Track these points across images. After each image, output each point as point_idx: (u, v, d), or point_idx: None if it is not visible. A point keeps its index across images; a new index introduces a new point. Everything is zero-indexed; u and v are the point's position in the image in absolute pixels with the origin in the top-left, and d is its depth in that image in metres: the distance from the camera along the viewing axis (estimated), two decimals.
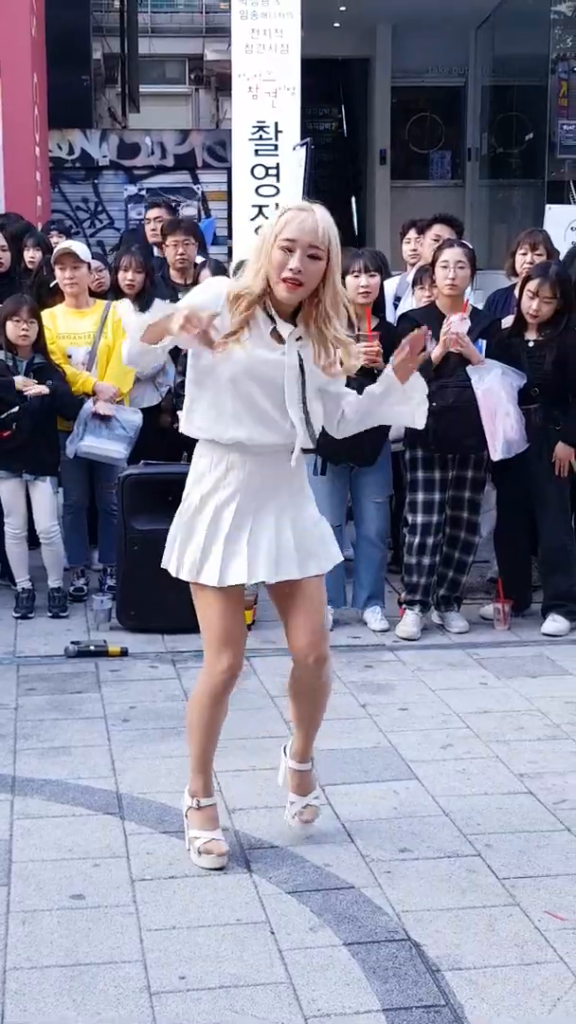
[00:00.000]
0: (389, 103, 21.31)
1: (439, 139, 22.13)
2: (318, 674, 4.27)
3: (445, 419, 6.55)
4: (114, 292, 7.93)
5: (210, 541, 4.10)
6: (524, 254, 7.40)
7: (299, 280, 3.91)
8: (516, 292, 7.13)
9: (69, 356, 7.38)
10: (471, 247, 6.92)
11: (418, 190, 20.97)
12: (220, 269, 7.88)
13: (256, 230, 9.87)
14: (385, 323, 6.99)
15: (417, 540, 6.81)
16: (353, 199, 22.95)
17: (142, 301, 7.84)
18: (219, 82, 24.37)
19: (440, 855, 4.31)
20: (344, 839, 4.44)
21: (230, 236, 12.76)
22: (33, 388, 6.97)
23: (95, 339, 7.42)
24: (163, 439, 7.61)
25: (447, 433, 6.60)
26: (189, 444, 7.54)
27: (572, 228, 9.51)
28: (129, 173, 17.56)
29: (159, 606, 6.55)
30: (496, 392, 6.59)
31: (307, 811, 4.45)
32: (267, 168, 10.41)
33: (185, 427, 4.19)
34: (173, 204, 10.62)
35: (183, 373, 7.18)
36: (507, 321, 7.03)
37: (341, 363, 4.09)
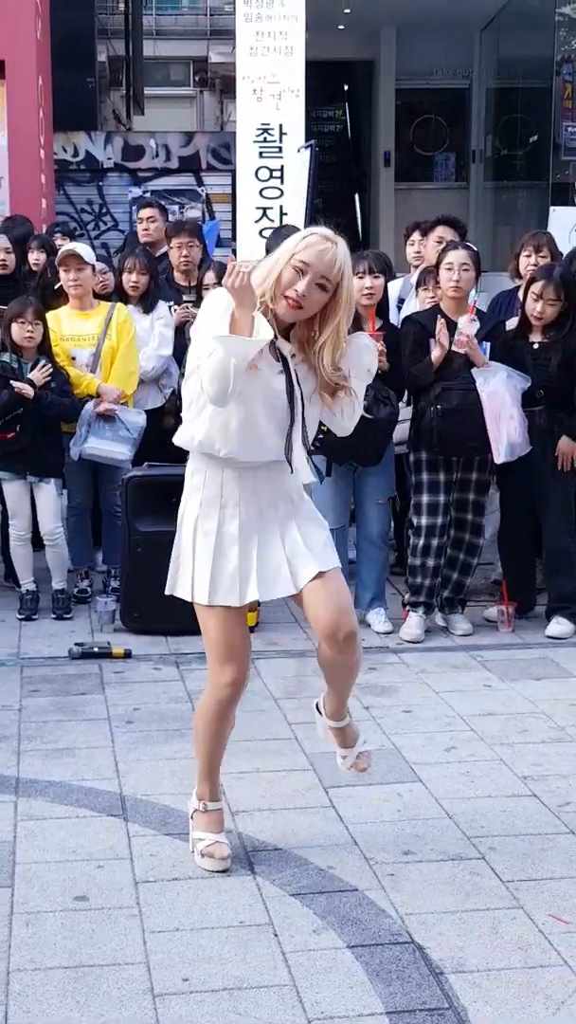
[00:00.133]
0: (393, 105, 21.29)
1: (443, 141, 22.11)
2: (349, 649, 4.10)
3: (450, 421, 6.57)
4: (118, 294, 7.93)
5: (219, 560, 4.07)
6: (528, 256, 7.40)
7: (300, 304, 3.92)
8: (520, 294, 7.13)
9: (73, 358, 7.38)
10: (476, 249, 6.93)
11: (422, 192, 20.95)
12: (223, 271, 7.87)
13: (261, 232, 9.88)
14: (389, 325, 6.99)
15: (421, 542, 6.80)
16: (356, 196, 22.94)
17: (146, 303, 7.86)
18: (223, 84, 24.41)
19: (444, 858, 4.31)
20: (348, 842, 4.43)
21: (234, 238, 12.75)
22: (22, 387, 6.95)
23: (99, 341, 7.42)
24: (167, 441, 7.60)
25: (451, 435, 6.61)
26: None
27: None
28: (133, 175, 17.54)
29: (163, 608, 6.48)
30: (500, 395, 6.59)
31: (361, 759, 4.41)
32: (271, 170, 10.40)
33: (184, 439, 4.15)
34: (165, 205, 10.59)
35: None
36: (511, 323, 7.03)
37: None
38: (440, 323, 6.62)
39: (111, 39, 21.85)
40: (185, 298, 8.17)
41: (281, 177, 10.40)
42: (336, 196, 21.66)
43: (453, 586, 7.01)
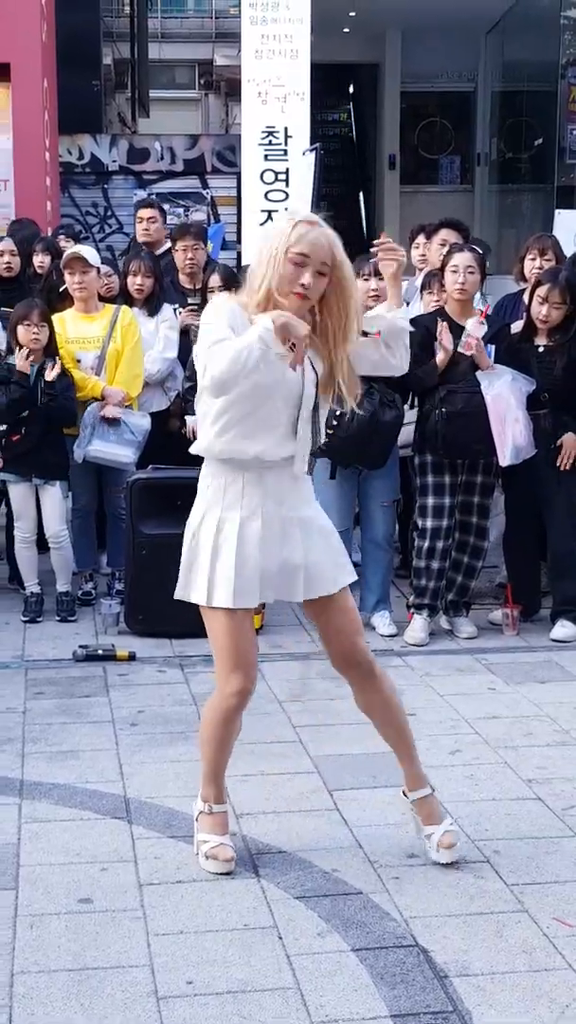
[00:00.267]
0: (398, 108, 21.32)
1: (448, 144, 22.14)
2: (375, 683, 4.26)
3: (455, 424, 6.57)
4: (123, 297, 7.94)
5: (239, 563, 4.05)
6: (533, 259, 7.40)
7: (308, 295, 3.93)
8: (525, 298, 7.13)
9: (78, 360, 7.39)
10: (481, 251, 6.93)
11: (427, 195, 20.97)
12: (228, 273, 7.89)
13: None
14: None
15: (426, 545, 6.80)
16: (361, 199, 22.95)
17: (151, 306, 7.86)
18: (229, 87, 24.39)
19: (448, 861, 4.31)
20: (352, 845, 4.43)
21: (239, 241, 12.77)
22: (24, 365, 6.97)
23: (104, 344, 7.43)
24: (172, 443, 7.61)
25: (456, 438, 6.60)
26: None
27: None
28: (139, 178, 17.56)
29: (167, 610, 6.48)
30: (505, 398, 6.58)
31: (446, 836, 4.27)
32: (276, 173, 10.42)
33: (205, 448, 4.10)
34: (164, 207, 10.62)
35: (191, 378, 7.22)
36: (516, 326, 7.03)
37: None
38: (442, 326, 6.62)
39: (116, 42, 21.87)
40: (190, 301, 8.18)
41: (286, 180, 10.43)
42: (341, 199, 21.67)
43: (458, 589, 7.01)
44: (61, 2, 14.31)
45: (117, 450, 7.29)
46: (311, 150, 9.97)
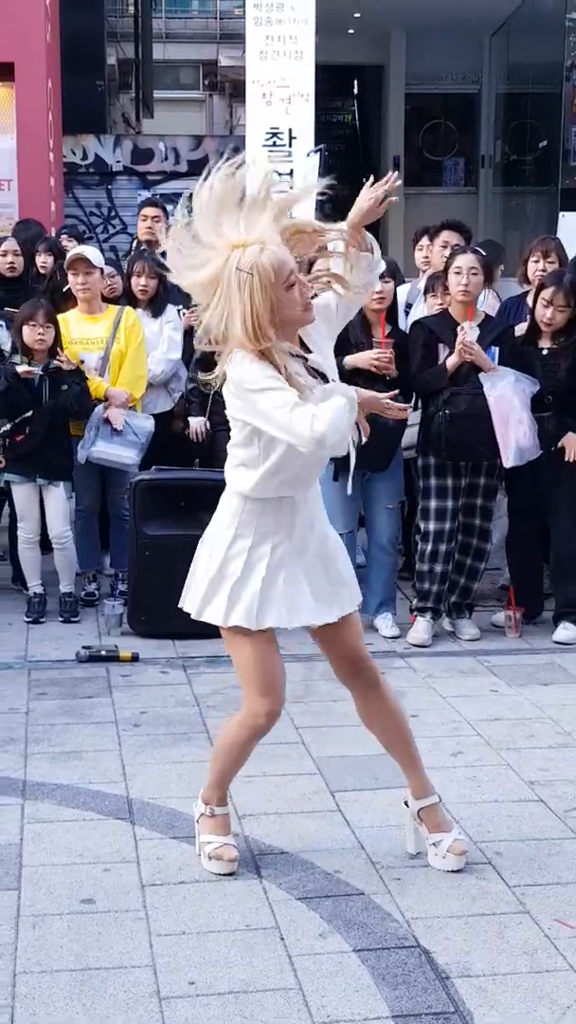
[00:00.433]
0: (403, 110, 21.32)
1: (453, 146, 22.14)
2: (379, 691, 4.27)
3: (458, 426, 6.56)
4: (127, 298, 7.94)
5: (268, 584, 4.03)
6: (536, 261, 7.40)
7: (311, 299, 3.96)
8: (529, 300, 7.13)
9: (82, 361, 7.39)
10: (484, 253, 6.93)
11: (431, 197, 20.96)
12: None
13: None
14: (398, 330, 7.00)
15: (429, 547, 6.80)
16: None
17: (155, 307, 7.86)
18: (233, 88, 24.44)
19: None
20: (354, 846, 4.44)
21: None
22: (32, 370, 6.98)
23: (107, 344, 7.43)
24: (175, 444, 7.62)
25: (460, 440, 6.60)
26: (201, 450, 7.54)
27: None
28: (143, 178, 17.57)
29: (170, 611, 6.46)
30: (509, 399, 6.58)
31: (457, 844, 4.27)
32: (281, 174, 10.39)
33: (248, 491, 4.02)
34: (168, 207, 10.62)
35: (193, 379, 7.23)
36: (520, 328, 7.03)
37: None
38: (461, 331, 6.59)
39: (121, 42, 21.89)
40: (194, 302, 8.16)
41: (290, 181, 10.40)
42: (345, 200, 21.67)
43: (460, 591, 7.01)
44: (65, 2, 14.33)
45: (120, 451, 7.29)
46: (315, 151, 9.98)
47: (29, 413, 7.00)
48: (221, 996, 3.51)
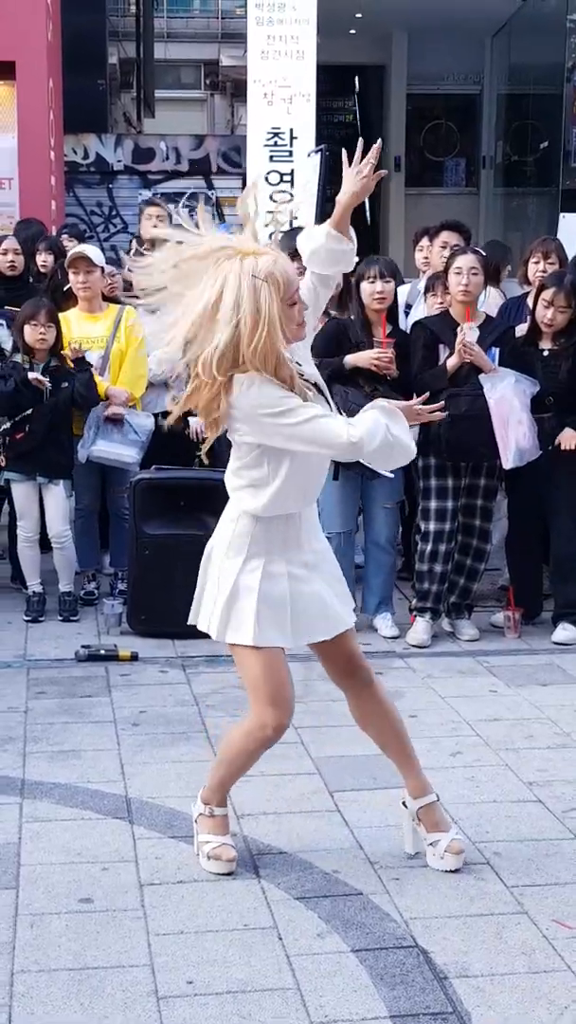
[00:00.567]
0: (404, 110, 21.33)
1: (454, 146, 22.15)
2: (373, 691, 4.28)
3: (458, 427, 6.55)
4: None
5: (280, 602, 4.05)
6: (537, 262, 7.40)
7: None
8: (529, 301, 7.13)
9: (87, 350, 7.37)
10: (484, 253, 6.92)
11: (432, 197, 20.98)
12: None
13: (271, 235, 9.89)
14: (398, 330, 7.00)
15: (429, 547, 6.80)
16: (366, 200, 22.97)
17: None
18: (234, 88, 24.44)
19: None
20: (352, 846, 4.44)
21: None
22: (41, 380, 6.98)
23: (108, 343, 7.43)
24: (176, 444, 7.61)
25: (460, 441, 6.60)
26: (200, 449, 7.48)
27: None
28: (144, 178, 17.58)
29: (170, 610, 6.53)
30: (509, 400, 6.58)
31: (455, 843, 4.26)
32: (282, 174, 10.42)
33: (258, 510, 4.01)
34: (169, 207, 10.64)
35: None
36: (520, 329, 7.03)
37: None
38: (460, 331, 6.59)
39: (122, 41, 21.89)
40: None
41: (291, 181, 10.42)
42: None
43: (460, 591, 7.01)
44: (67, 1, 14.34)
45: (121, 450, 7.29)
46: (316, 151, 9.98)
47: (29, 411, 7.00)
48: (219, 996, 3.51)
